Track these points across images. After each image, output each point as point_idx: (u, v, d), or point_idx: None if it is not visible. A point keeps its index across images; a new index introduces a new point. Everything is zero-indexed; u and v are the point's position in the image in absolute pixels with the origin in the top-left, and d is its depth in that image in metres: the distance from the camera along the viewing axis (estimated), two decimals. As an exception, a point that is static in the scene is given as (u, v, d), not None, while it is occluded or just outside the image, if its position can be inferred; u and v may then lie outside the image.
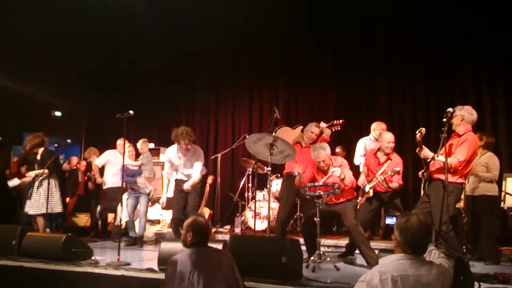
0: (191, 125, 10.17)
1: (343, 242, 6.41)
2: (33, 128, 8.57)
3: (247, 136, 5.85)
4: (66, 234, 5.27)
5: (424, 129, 4.73)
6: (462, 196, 5.79)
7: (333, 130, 6.38)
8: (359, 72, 8.84)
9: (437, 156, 4.67)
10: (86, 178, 8.89)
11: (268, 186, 5.47)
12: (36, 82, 9.27)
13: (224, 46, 9.62)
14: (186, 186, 6.08)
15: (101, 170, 7.79)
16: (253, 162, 6.65)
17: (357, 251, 5.47)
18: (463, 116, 4.85)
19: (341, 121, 6.47)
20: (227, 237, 6.40)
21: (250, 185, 8.21)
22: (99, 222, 8.23)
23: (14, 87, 9.22)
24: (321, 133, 6.07)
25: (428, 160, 4.83)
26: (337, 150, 7.89)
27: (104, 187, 7.63)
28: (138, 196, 7.10)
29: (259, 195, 7.91)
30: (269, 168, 5.17)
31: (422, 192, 5.95)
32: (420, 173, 5.42)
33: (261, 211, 7.74)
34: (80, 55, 9.80)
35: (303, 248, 5.00)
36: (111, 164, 7.53)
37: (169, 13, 9.11)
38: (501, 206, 6.23)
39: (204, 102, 10.36)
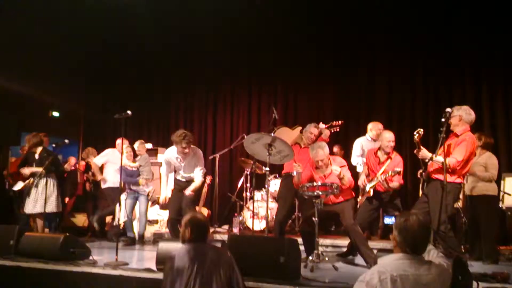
0: (190, 125, 10.21)
1: (341, 241, 6.42)
2: (31, 128, 8.54)
3: (246, 136, 5.85)
4: (64, 234, 5.26)
5: (422, 130, 4.74)
6: (461, 196, 5.81)
7: (332, 131, 6.38)
8: (358, 72, 8.86)
9: (435, 157, 4.68)
10: (85, 178, 8.87)
11: (266, 186, 5.46)
12: (34, 82, 9.25)
13: (223, 46, 9.62)
14: (188, 192, 6.07)
15: (100, 169, 7.77)
16: (252, 162, 6.65)
17: (356, 251, 5.47)
18: (461, 116, 4.86)
19: (340, 122, 6.48)
20: (225, 237, 6.41)
21: (248, 185, 8.21)
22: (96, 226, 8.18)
23: (12, 87, 9.19)
24: (320, 134, 6.07)
25: (427, 161, 4.84)
26: (335, 149, 7.89)
27: (103, 187, 7.61)
28: (136, 196, 7.10)
29: (257, 195, 7.91)
30: (268, 168, 5.18)
31: (420, 192, 5.95)
32: (418, 173, 5.44)
33: (259, 211, 7.73)
34: (79, 55, 9.79)
35: (302, 248, 5.01)
36: (111, 163, 7.51)
37: (168, 13, 9.11)
38: (500, 206, 6.25)
39: (202, 102, 10.35)
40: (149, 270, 4.62)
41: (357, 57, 8.84)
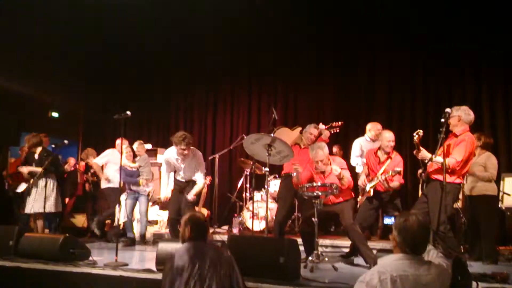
0: (190, 125, 10.21)
1: (340, 242, 6.42)
2: (31, 128, 8.54)
3: (245, 137, 5.84)
4: (63, 235, 5.27)
5: (421, 131, 4.74)
6: (460, 196, 5.80)
7: (332, 132, 6.38)
8: (358, 72, 8.85)
9: (435, 157, 4.67)
10: (84, 179, 8.87)
11: (266, 186, 5.46)
12: (34, 82, 9.25)
13: (223, 46, 9.63)
14: (191, 196, 6.07)
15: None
16: (251, 163, 6.65)
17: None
18: (460, 116, 4.86)
19: (340, 123, 6.48)
20: (225, 237, 6.41)
21: (248, 185, 8.20)
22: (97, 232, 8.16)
23: (12, 87, 9.19)
24: (320, 135, 6.07)
25: (426, 161, 4.84)
26: (334, 149, 7.89)
27: (103, 187, 7.61)
28: (137, 196, 7.10)
29: (257, 195, 7.90)
30: (267, 169, 5.18)
31: (420, 193, 5.95)
32: (418, 173, 5.44)
33: (259, 212, 7.73)
34: (79, 55, 9.79)
35: (301, 248, 5.01)
36: (111, 163, 7.51)
37: (168, 13, 9.10)
38: (499, 206, 6.24)
39: (202, 102, 10.35)
40: (149, 270, 4.61)
41: (357, 57, 8.83)
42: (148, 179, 7.16)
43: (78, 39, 9.37)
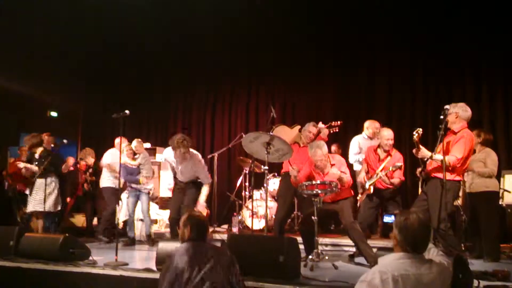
0: (188, 124, 10.20)
1: (340, 240, 6.41)
2: (30, 128, 8.54)
3: (244, 135, 5.83)
4: (63, 235, 5.26)
5: (421, 129, 4.73)
6: (460, 194, 5.79)
7: (331, 131, 6.38)
8: (358, 72, 8.85)
9: (434, 155, 4.67)
10: (83, 178, 8.85)
11: (265, 185, 5.46)
12: (34, 82, 9.25)
13: (223, 46, 9.62)
14: (201, 206, 6.07)
15: (100, 169, 7.75)
16: (250, 161, 6.64)
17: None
18: (458, 113, 4.84)
19: (339, 122, 6.47)
20: (224, 236, 6.40)
21: (247, 184, 8.20)
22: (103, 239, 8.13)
23: (12, 87, 9.19)
24: (319, 133, 6.07)
25: (426, 159, 4.83)
26: (333, 148, 7.89)
27: (102, 186, 7.59)
28: (138, 194, 7.08)
29: (256, 194, 7.89)
30: (266, 167, 5.17)
31: (420, 191, 5.95)
32: (417, 172, 5.43)
33: (258, 210, 7.72)
34: (79, 55, 9.79)
35: (301, 247, 5.00)
36: (114, 163, 7.50)
37: (168, 13, 9.10)
38: (500, 203, 6.22)
39: (201, 101, 10.36)
40: (149, 270, 4.60)
41: (357, 57, 8.83)
42: (149, 176, 7.15)
43: (78, 39, 9.37)
